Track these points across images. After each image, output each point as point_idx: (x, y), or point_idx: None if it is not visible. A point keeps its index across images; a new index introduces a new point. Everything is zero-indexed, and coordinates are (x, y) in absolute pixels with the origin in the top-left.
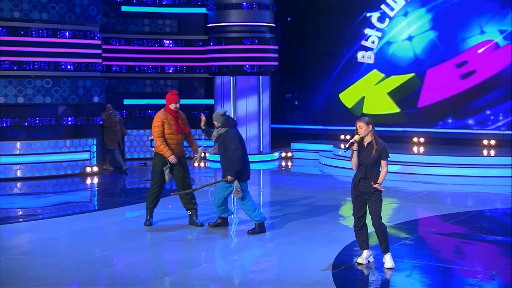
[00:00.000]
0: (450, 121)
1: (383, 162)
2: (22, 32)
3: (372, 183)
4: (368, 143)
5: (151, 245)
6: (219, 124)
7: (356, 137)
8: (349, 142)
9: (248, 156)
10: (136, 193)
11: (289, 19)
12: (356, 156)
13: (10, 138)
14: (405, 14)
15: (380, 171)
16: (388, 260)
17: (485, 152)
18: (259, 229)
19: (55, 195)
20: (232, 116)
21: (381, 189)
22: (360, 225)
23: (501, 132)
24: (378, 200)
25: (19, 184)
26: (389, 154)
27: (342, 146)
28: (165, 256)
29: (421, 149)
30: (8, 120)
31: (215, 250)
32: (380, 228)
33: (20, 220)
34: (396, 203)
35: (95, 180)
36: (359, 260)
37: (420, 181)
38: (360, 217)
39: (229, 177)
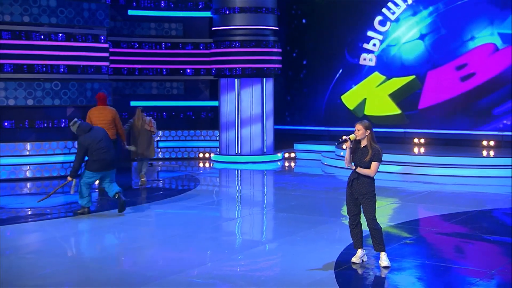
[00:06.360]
0: (450, 122)
1: (373, 163)
2: (32, 36)
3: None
4: (364, 146)
5: (157, 244)
6: (77, 133)
7: (352, 136)
8: (343, 138)
9: (105, 150)
10: (143, 193)
11: (292, 22)
12: (349, 154)
13: (20, 139)
14: (406, 18)
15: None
16: (383, 259)
17: (484, 153)
18: (81, 211)
19: (64, 195)
20: (84, 122)
21: (351, 167)
22: (354, 223)
23: (501, 133)
24: (372, 202)
25: (28, 184)
26: (386, 156)
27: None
28: (171, 255)
29: (422, 150)
30: (18, 122)
31: (219, 250)
32: (375, 229)
33: (30, 219)
34: (397, 203)
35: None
36: (354, 259)
37: (420, 181)
38: (355, 215)
39: (69, 178)
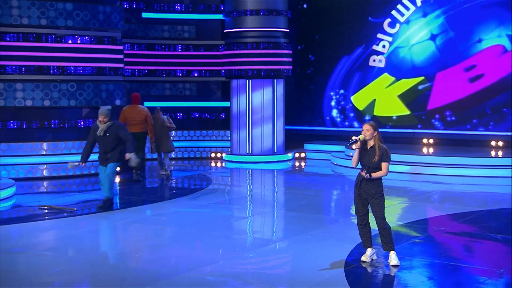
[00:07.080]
0: (458, 123)
1: (383, 164)
2: (49, 38)
3: (368, 175)
4: (371, 147)
5: (169, 242)
6: (107, 119)
7: (361, 137)
8: (353, 139)
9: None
10: (157, 191)
11: (302, 24)
12: (357, 154)
13: (37, 139)
14: (415, 20)
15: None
16: (393, 258)
17: (493, 153)
18: (109, 203)
19: (79, 193)
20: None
21: (364, 175)
22: (363, 223)
23: (509, 133)
24: (381, 202)
25: (45, 183)
26: (395, 156)
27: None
28: (183, 253)
29: (431, 150)
30: (35, 122)
31: (231, 248)
32: (384, 228)
33: (47, 217)
34: (406, 202)
35: (117, 179)
36: (363, 258)
37: (429, 181)
38: (363, 215)
39: (128, 155)
